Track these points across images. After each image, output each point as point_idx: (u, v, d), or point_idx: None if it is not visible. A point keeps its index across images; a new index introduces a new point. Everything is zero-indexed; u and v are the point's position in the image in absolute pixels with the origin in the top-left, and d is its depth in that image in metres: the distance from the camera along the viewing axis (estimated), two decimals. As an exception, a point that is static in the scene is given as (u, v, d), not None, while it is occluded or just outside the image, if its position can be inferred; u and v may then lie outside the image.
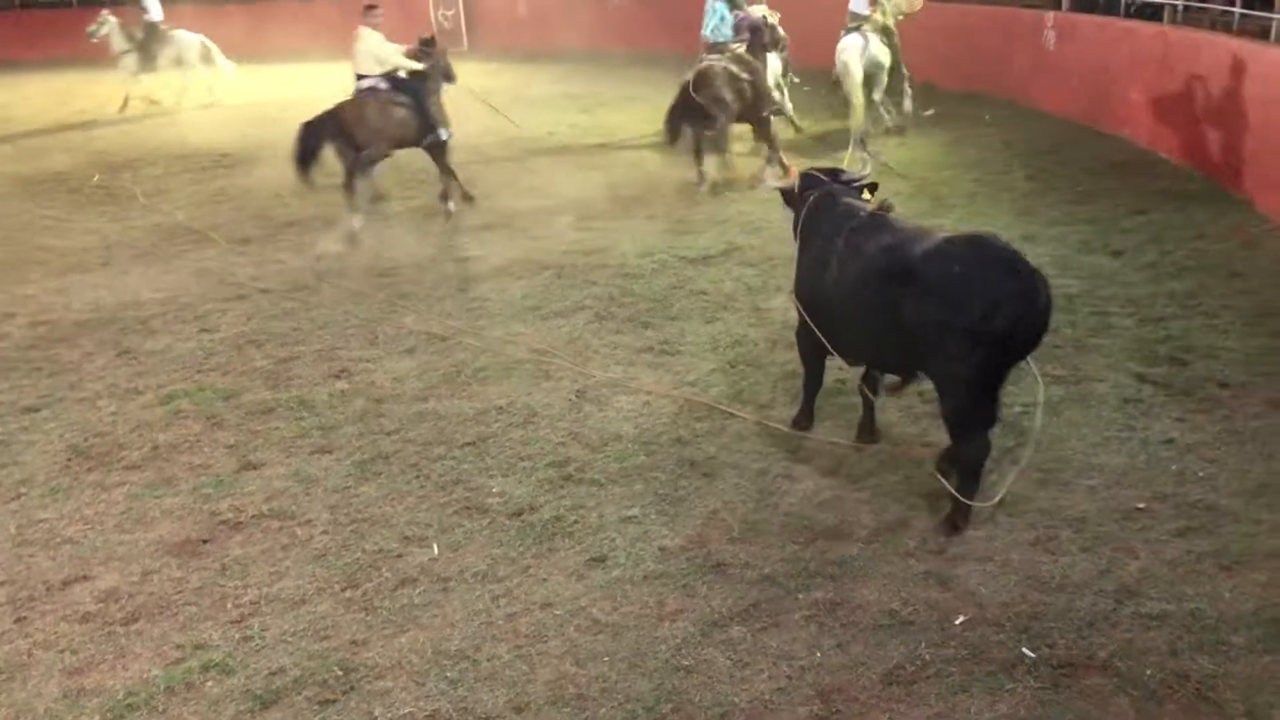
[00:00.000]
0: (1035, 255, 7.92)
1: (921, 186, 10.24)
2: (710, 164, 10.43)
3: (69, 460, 5.40)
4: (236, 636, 4.02)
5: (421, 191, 10.78)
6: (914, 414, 5.55)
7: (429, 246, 8.83)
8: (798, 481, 4.94)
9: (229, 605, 4.21)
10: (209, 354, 6.71)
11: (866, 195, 5.11)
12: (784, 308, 7.08)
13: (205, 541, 4.65)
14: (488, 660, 3.83)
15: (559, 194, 10.53)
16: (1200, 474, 4.88)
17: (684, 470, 5.08)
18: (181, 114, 16.40)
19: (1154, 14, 11.89)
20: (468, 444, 5.41)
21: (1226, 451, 5.07)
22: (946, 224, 8.85)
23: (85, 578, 4.42)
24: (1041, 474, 4.92)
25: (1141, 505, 4.64)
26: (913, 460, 5.05)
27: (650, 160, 11.96)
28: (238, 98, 16.90)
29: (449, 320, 7.11)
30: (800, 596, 4.10)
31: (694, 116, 10.16)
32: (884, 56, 11.98)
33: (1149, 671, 3.64)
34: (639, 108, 15.29)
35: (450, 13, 25.06)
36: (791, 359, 6.24)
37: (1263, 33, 9.67)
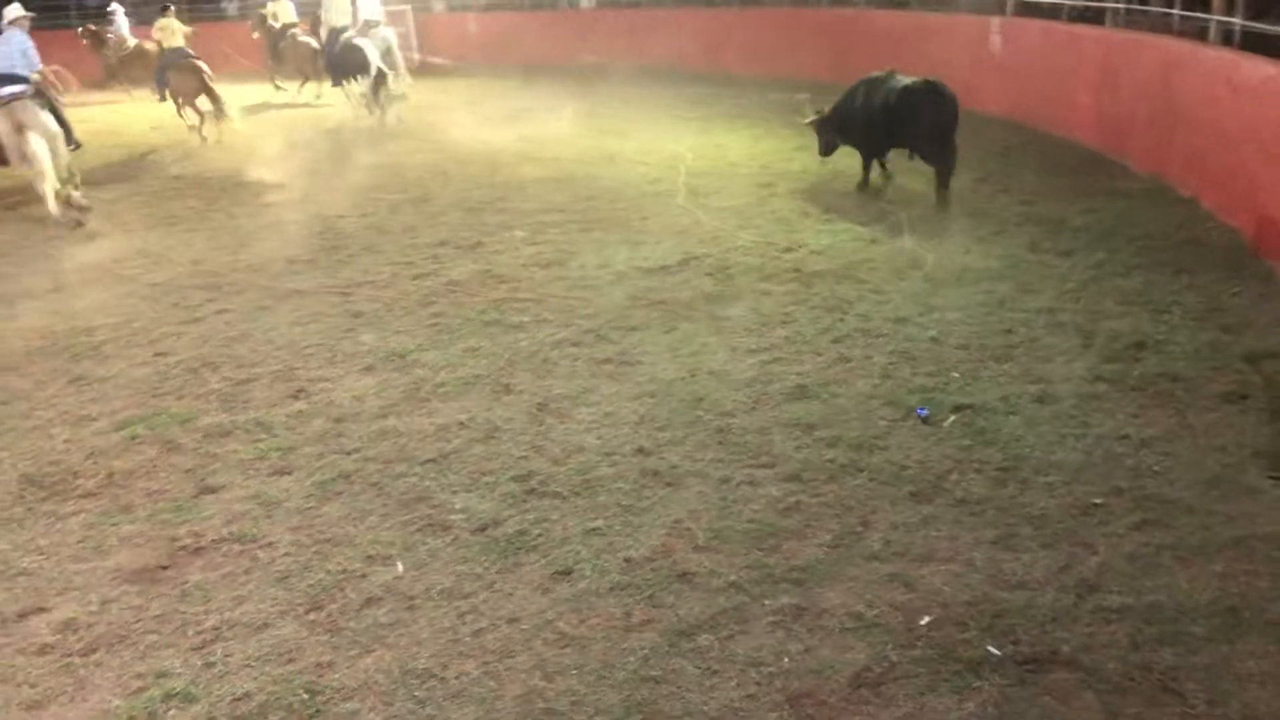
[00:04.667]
0: (986, 256, 8.09)
1: (874, 193, 10.31)
2: None
3: (22, 490, 5.29)
4: (199, 663, 3.95)
5: (377, 208, 10.73)
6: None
7: (384, 264, 8.77)
8: (760, 488, 4.94)
9: (190, 632, 4.13)
10: (164, 378, 6.61)
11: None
12: (742, 315, 7.12)
13: (164, 568, 4.57)
14: (455, 678, 3.79)
15: (513, 208, 10.52)
16: (1155, 468, 4.95)
17: (647, 480, 5.07)
18: (126, 135, 16.22)
19: (1096, 18, 12.09)
20: (429, 461, 5.37)
21: (1180, 445, 5.14)
22: (900, 225, 8.95)
23: (42, 609, 4.32)
24: (1000, 472, 4.97)
25: (1099, 500, 4.70)
26: (874, 465, 5.09)
27: (604, 172, 11.97)
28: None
29: (407, 336, 7.06)
30: (766, 603, 4.10)
31: None
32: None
33: (1112, 665, 3.68)
34: (591, 121, 15.34)
35: (401, 30, 24.95)
36: (754, 364, 6.29)
37: (1200, 33, 9.87)
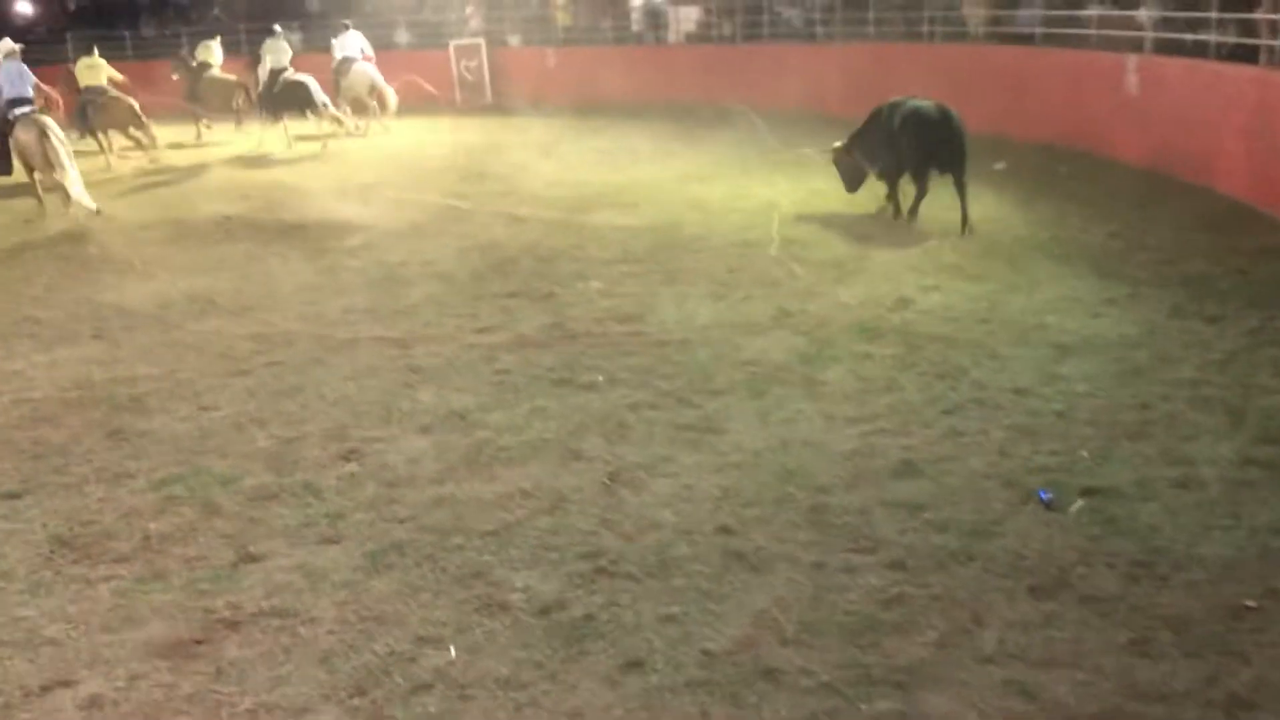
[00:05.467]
0: (1120, 321, 7.94)
1: (991, 247, 10.23)
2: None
3: (52, 552, 5.42)
4: (231, 750, 3.98)
5: (442, 254, 10.92)
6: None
7: (447, 315, 8.90)
8: (859, 576, 4.86)
9: (224, 714, 4.17)
10: (207, 434, 6.76)
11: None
12: (840, 380, 7.06)
13: (199, 642, 4.63)
14: (510, 778, 3.76)
15: (588, 256, 10.63)
16: (1318, 567, 4.77)
17: (730, 563, 5.01)
18: (177, 175, 16.83)
19: (1248, 56, 11.90)
20: (489, 533, 5.38)
21: (1347, 541, 4.96)
22: (1022, 284, 8.85)
23: (67, 683, 4.40)
24: (1134, 567, 4.83)
25: (1252, 603, 4.52)
26: (989, 554, 4.97)
27: (689, 219, 12.06)
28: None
29: (468, 394, 7.14)
30: (863, 707, 4.01)
31: None
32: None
33: (1267, 796, 3.52)
34: (675, 163, 15.51)
35: (473, 64, 25.63)
36: (854, 435, 6.23)
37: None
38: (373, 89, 20.13)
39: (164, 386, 7.59)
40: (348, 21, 21.61)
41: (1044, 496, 5.45)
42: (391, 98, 20.41)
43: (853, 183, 11.99)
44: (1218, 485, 5.51)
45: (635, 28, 26.09)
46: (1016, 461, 5.89)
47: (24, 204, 14.13)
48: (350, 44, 20.57)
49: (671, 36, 25.20)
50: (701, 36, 24.63)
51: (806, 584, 4.82)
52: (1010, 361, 7.32)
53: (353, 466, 6.20)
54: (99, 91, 17.72)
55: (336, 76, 20.43)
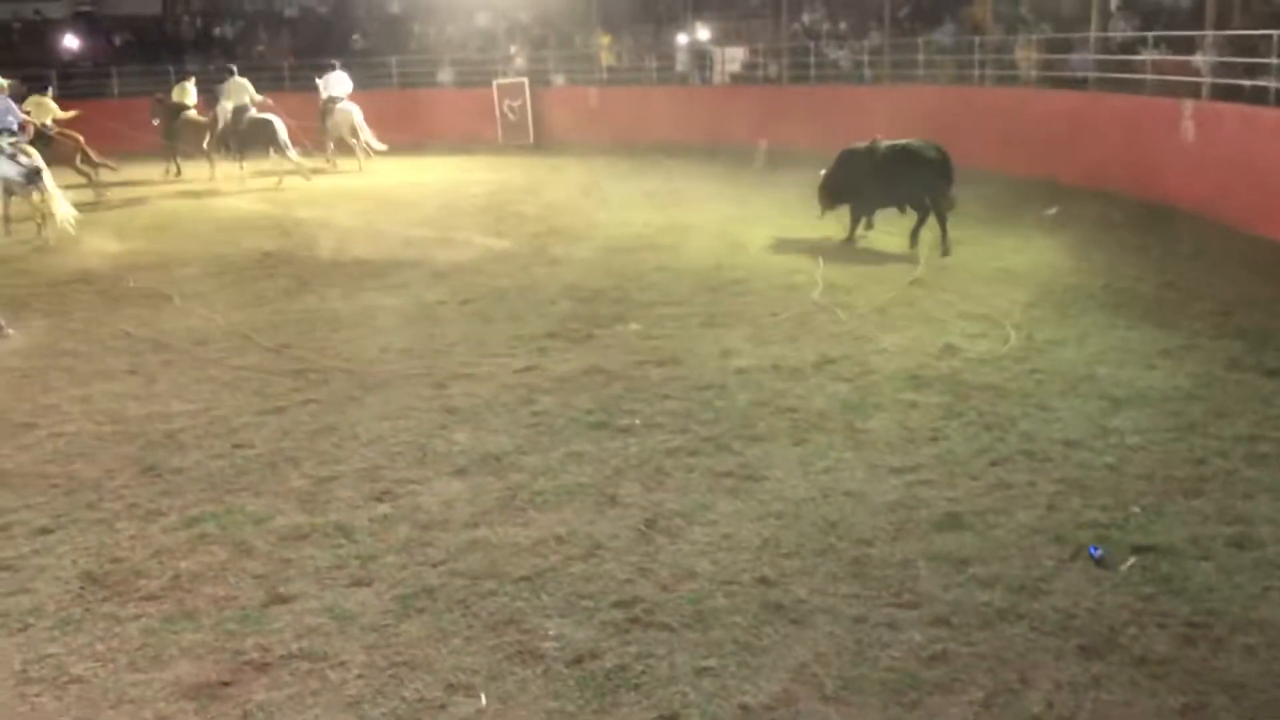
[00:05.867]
0: (1175, 373, 7.85)
1: (1042, 294, 10.18)
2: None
3: (82, 588, 5.47)
4: (256, 795, 3.97)
5: (480, 294, 11.00)
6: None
7: (483, 356, 8.95)
8: (901, 631, 4.81)
9: (249, 759, 4.18)
10: (240, 472, 6.82)
11: None
12: (885, 429, 7.02)
13: (226, 684, 4.64)
14: (539, 833, 3.74)
15: (628, 298, 10.66)
16: (1382, 633, 4.66)
17: (769, 615, 4.98)
18: (217, 211, 17.09)
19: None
20: (522, 579, 5.38)
21: None
22: (1073, 333, 8.78)
23: (92, 723, 4.43)
24: (1188, 628, 4.74)
25: (1312, 669, 4.44)
26: (1036, 611, 4.91)
27: (732, 261, 12.08)
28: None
29: (504, 436, 7.15)
30: (904, 768, 3.96)
31: None
32: None
33: None
34: (717, 205, 15.56)
35: (516, 103, 25.92)
36: (898, 486, 6.18)
37: None
38: (354, 129, 21.69)
39: (199, 423, 7.67)
40: (335, 62, 22.98)
41: (1095, 553, 5.38)
42: (371, 138, 21.93)
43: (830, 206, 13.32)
44: (1276, 545, 5.42)
45: (680, 68, 26.30)
46: (1066, 516, 5.82)
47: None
48: (335, 84, 22.08)
49: (716, 77, 25.38)
50: (747, 77, 24.79)
51: (847, 638, 4.77)
52: (1060, 413, 7.25)
53: (386, 508, 6.23)
54: (46, 129, 18.76)
55: (322, 115, 22.02)
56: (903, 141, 12.61)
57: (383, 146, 22.01)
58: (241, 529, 6.02)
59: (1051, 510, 5.89)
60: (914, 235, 12.33)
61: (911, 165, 12.26)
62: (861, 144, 12.87)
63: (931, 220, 12.19)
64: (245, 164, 20.46)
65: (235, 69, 21.50)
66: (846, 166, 12.91)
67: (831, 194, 13.05)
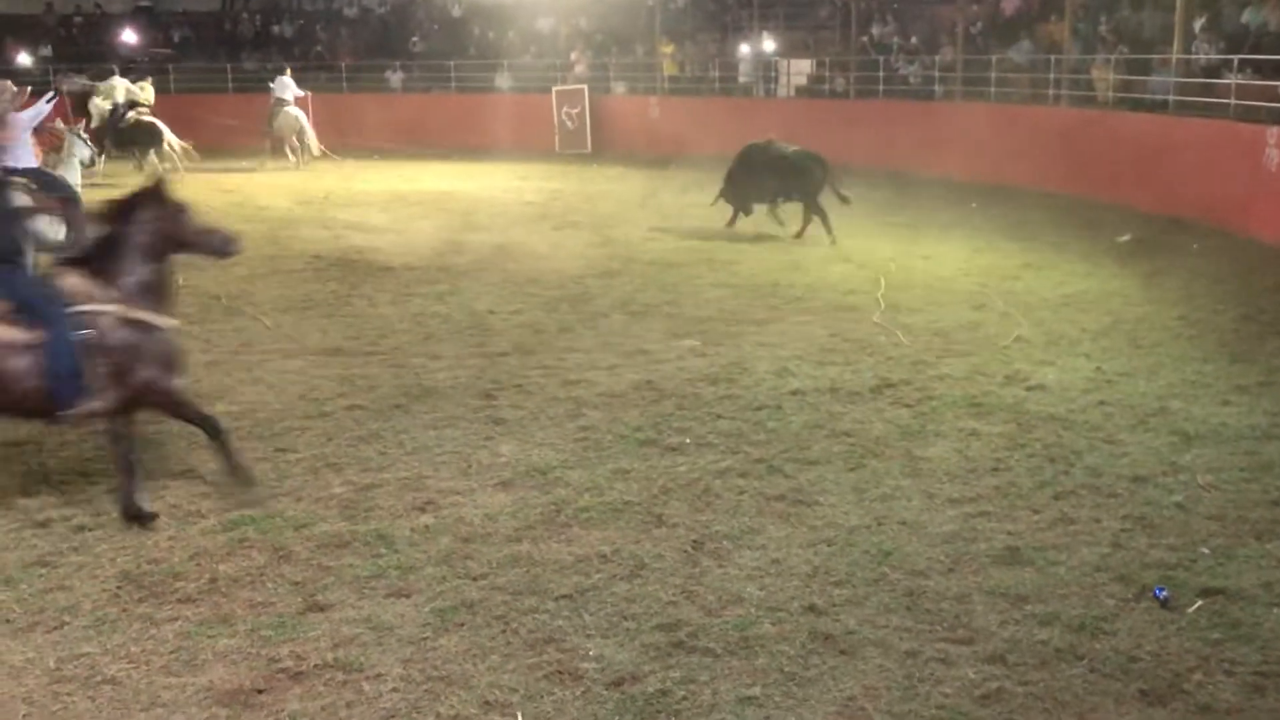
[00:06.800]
0: (1251, 410, 7.72)
1: (1113, 323, 10.07)
2: None
3: (119, 588, 5.54)
4: (285, 807, 4.00)
5: (531, 305, 11.06)
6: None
7: (533, 367, 8.99)
8: (954, 667, 4.76)
9: (280, 769, 4.21)
10: (282, 477, 6.88)
11: None
12: (944, 457, 6.97)
13: (260, 692, 4.68)
14: None
15: (682, 314, 10.67)
16: None
17: (817, 645, 4.94)
18: (270, 212, 17.30)
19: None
20: (564, 596, 5.38)
21: None
22: (1144, 364, 8.67)
23: (124, 725, 4.48)
24: (1258, 676, 4.66)
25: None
26: (1097, 652, 4.84)
27: (790, 279, 12.05)
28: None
29: (550, 450, 7.17)
30: (953, 809, 3.91)
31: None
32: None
33: None
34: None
35: (575, 111, 26.07)
36: (956, 516, 6.13)
37: None
38: (298, 131, 23.42)
39: (242, 425, 7.75)
40: (285, 66, 25.36)
41: (1160, 594, 5.29)
42: (313, 141, 23.63)
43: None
44: (1354, 594, 5.30)
45: (743, 79, 26.32)
46: (1131, 555, 5.74)
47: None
48: (284, 88, 23.82)
49: (781, 90, 25.36)
50: (813, 90, 24.75)
51: (898, 672, 4.73)
52: (1128, 447, 7.16)
53: (428, 518, 6.26)
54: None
55: (270, 116, 23.67)
56: (792, 147, 14.67)
57: (320, 150, 23.66)
58: (281, 534, 6.08)
59: (1116, 548, 5.81)
60: (799, 233, 14.48)
61: (786, 169, 14.40)
62: (761, 140, 15.05)
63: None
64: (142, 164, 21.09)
65: (115, 68, 22.91)
66: (745, 160, 14.95)
67: (730, 183, 14.98)
